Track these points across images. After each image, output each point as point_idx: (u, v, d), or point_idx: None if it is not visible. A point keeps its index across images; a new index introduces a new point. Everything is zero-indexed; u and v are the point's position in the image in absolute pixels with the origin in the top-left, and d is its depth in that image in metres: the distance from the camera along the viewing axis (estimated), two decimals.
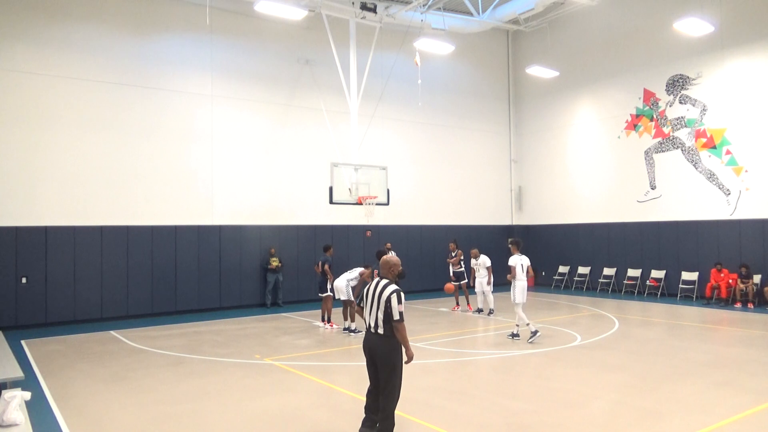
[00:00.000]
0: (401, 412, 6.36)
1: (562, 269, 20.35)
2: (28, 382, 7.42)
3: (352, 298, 11.80)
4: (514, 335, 10.88)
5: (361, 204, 14.66)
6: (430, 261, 19.60)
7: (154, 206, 14.98)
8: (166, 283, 15.04)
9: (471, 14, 18.08)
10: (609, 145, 19.29)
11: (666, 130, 17.65)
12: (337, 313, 13.24)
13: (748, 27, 15.70)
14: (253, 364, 9.19)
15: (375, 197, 14.65)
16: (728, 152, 16.09)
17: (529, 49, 21.69)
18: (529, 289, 11.11)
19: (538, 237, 21.52)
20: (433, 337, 11.31)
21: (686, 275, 16.83)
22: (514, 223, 22.30)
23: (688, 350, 9.94)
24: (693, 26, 14.47)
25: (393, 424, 5.48)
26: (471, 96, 21.39)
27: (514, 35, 22.34)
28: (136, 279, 14.59)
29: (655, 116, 17.94)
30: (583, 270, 19.69)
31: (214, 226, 15.86)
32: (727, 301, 15.43)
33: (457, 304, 15.30)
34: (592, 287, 19.34)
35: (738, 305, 15.13)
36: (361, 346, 5.69)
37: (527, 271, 10.88)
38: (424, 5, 16.41)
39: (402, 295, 5.43)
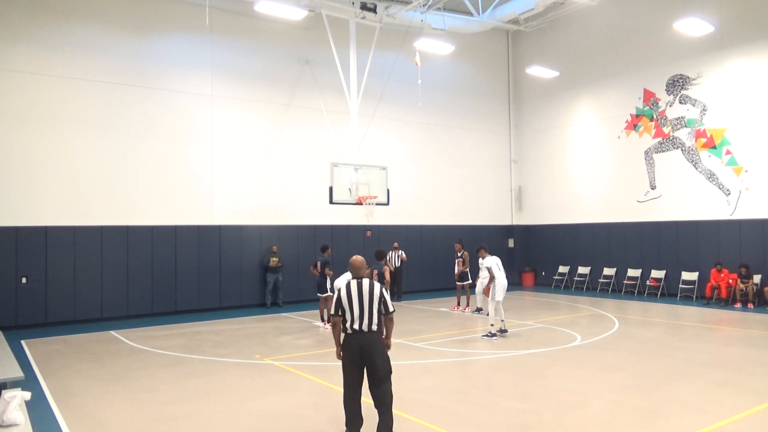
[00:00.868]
0: (401, 412, 6.36)
1: (562, 269, 20.34)
2: (28, 382, 7.42)
3: None
4: (494, 334, 11.01)
5: (361, 204, 14.66)
6: (430, 261, 19.60)
7: (154, 206, 14.98)
8: (166, 283, 15.04)
9: (471, 14, 18.08)
10: (609, 145, 19.30)
11: (666, 130, 17.65)
12: None
13: (748, 27, 15.70)
14: (253, 364, 9.19)
15: (375, 197, 14.65)
16: (728, 152, 16.09)
17: (529, 49, 21.69)
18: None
19: (538, 237, 21.53)
20: (433, 337, 11.31)
21: (686, 275, 16.83)
22: (514, 223, 22.30)
23: (688, 350, 9.94)
24: (693, 26, 14.47)
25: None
26: (471, 96, 21.39)
27: (514, 35, 22.34)
28: (136, 279, 14.59)
29: (655, 116, 17.94)
30: (583, 270, 19.69)
31: (214, 226, 15.86)
32: (727, 301, 15.42)
33: (458, 304, 15.30)
34: (592, 287, 19.34)
35: (738, 305, 15.13)
36: (353, 352, 5.49)
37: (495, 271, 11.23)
38: (424, 5, 16.41)
39: None
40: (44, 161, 13.61)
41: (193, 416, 6.61)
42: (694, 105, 16.94)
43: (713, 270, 15.81)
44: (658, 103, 17.86)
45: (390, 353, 5.72)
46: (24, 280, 13.22)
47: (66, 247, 13.74)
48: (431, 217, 20.04)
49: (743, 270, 15.21)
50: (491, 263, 11.33)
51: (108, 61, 14.51)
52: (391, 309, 5.66)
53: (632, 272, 18.24)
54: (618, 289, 18.55)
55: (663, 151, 17.73)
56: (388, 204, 15.30)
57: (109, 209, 14.35)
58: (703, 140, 16.67)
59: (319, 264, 12.86)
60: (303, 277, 16.62)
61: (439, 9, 17.41)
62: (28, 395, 5.42)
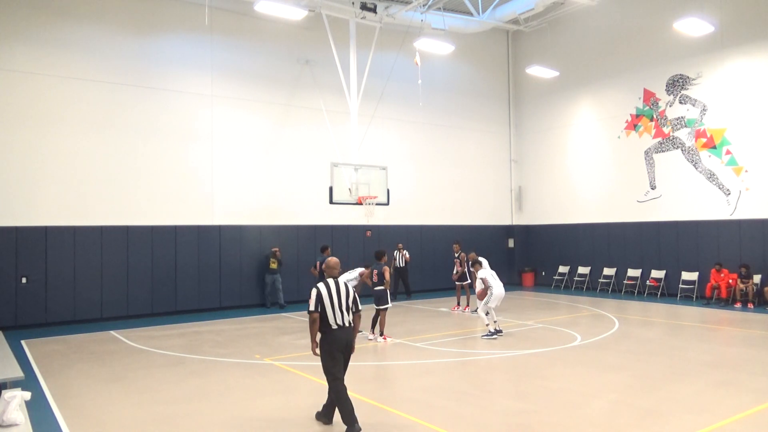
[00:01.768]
0: (401, 412, 6.37)
1: (562, 269, 20.34)
2: (28, 382, 7.41)
3: None
4: (493, 333, 11.09)
5: (361, 204, 14.66)
6: (430, 261, 19.60)
7: (154, 206, 14.98)
8: (166, 283, 15.03)
9: (471, 14, 18.09)
10: (609, 145, 19.30)
11: (666, 130, 17.65)
12: None
13: (748, 27, 15.70)
14: (253, 364, 9.19)
15: (375, 197, 14.65)
16: (728, 152, 16.09)
17: (529, 49, 21.69)
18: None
19: (538, 237, 21.53)
20: (433, 337, 11.31)
21: (686, 275, 16.83)
22: (514, 223, 22.29)
23: (688, 350, 9.94)
24: (693, 26, 14.47)
25: None
26: (471, 96, 21.39)
27: (514, 35, 22.34)
28: (136, 279, 14.59)
29: (655, 116, 17.94)
30: (583, 270, 19.70)
31: (214, 226, 15.86)
32: (727, 301, 15.42)
33: (458, 304, 15.30)
34: (592, 287, 19.34)
35: (738, 305, 15.12)
36: (339, 346, 5.95)
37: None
38: (424, 5, 16.41)
39: None
40: (44, 161, 13.60)
41: (193, 416, 6.61)
42: (694, 105, 16.94)
43: (713, 270, 15.81)
44: (658, 103, 17.86)
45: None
46: (24, 280, 13.22)
47: (66, 247, 13.74)
48: (431, 217, 20.05)
49: (743, 270, 15.21)
50: (486, 275, 11.44)
51: (108, 61, 14.51)
52: (360, 307, 6.30)
53: (632, 272, 18.24)
54: (618, 289, 18.54)
55: (663, 151, 17.73)
56: (388, 204, 15.30)
57: (109, 209, 14.35)
58: (703, 140, 16.67)
59: (319, 264, 12.85)
60: (303, 277, 16.61)
61: (439, 9, 17.41)
62: (28, 395, 5.42)
